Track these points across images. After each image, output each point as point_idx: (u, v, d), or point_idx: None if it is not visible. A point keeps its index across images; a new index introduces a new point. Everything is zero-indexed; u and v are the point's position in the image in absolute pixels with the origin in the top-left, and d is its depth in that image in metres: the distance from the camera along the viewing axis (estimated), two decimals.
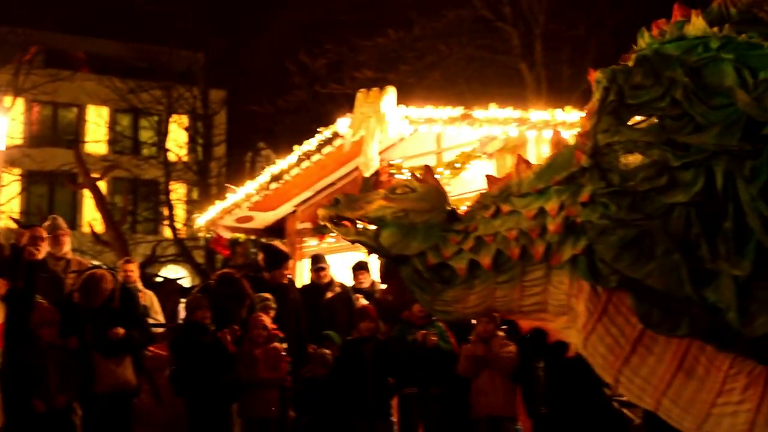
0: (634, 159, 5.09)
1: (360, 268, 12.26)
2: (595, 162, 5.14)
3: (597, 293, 5.09)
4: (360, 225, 5.76)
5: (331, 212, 5.75)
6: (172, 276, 27.49)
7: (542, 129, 13.37)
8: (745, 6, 5.28)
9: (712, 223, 4.77)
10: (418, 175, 5.94)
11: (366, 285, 12.03)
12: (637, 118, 5.22)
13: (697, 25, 5.17)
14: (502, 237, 5.39)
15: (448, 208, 5.75)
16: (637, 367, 5.04)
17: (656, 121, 5.07)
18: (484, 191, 5.77)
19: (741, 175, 4.71)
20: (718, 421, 4.82)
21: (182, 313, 11.93)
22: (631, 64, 5.24)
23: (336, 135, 15.53)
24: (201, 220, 18.32)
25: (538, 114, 13.42)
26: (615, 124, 5.12)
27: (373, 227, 5.68)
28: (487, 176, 5.89)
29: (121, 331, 8.71)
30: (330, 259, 12.72)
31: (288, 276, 11.21)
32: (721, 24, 5.19)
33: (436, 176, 5.96)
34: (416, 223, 5.62)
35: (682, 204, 4.81)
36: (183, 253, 31.27)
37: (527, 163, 5.60)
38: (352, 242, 5.92)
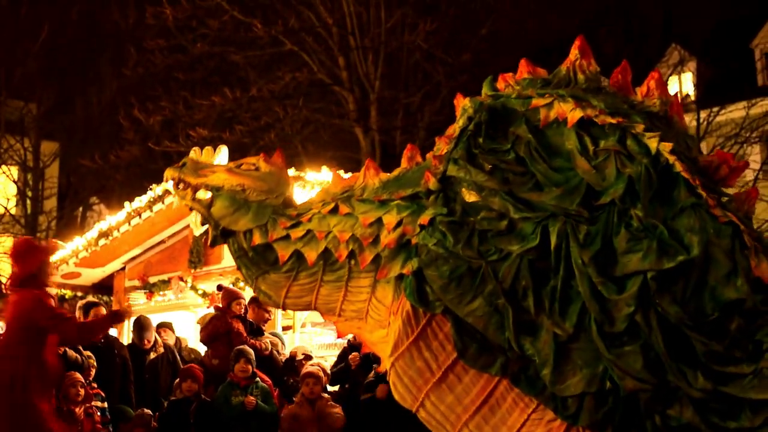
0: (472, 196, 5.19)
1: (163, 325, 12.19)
2: (442, 187, 5.24)
3: (417, 315, 5.18)
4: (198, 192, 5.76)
5: (175, 174, 5.81)
6: None
7: None
8: (592, 74, 5.46)
9: (541, 277, 4.91)
10: (267, 156, 5.99)
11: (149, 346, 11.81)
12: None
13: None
14: (334, 236, 5.45)
15: (287, 194, 5.77)
16: (444, 393, 5.13)
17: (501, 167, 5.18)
18: (326, 187, 5.81)
19: (575, 239, 4.86)
20: None
21: None
22: (486, 103, 5.38)
23: (167, 192, 15.41)
24: None
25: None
26: (465, 159, 5.23)
27: (209, 196, 5.70)
28: (335, 174, 6.04)
29: None
30: (156, 318, 12.59)
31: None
32: (567, 88, 5.39)
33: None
34: (251, 200, 5.63)
35: (517, 254, 4.93)
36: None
37: (376, 169, 5.64)
38: (186, 205, 5.90)
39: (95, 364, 9.62)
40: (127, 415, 10.07)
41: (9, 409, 7.42)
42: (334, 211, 5.51)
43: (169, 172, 5.88)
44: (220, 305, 11.04)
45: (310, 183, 13.96)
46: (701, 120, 23.72)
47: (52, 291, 15.16)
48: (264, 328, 11.23)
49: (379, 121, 26.44)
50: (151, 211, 15.74)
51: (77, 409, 8.85)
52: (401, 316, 5.21)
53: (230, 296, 10.95)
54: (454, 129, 5.44)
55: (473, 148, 5.27)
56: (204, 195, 5.73)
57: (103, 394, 9.57)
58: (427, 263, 5.10)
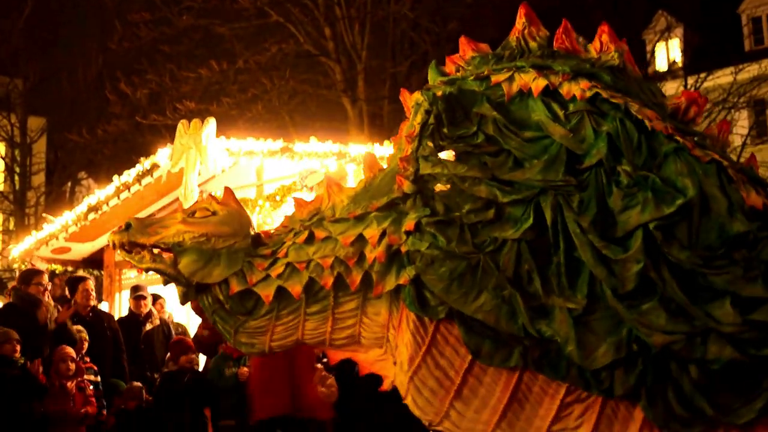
0: (443, 187, 5.07)
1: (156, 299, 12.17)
2: (417, 188, 5.06)
3: (424, 324, 4.99)
4: (156, 251, 5.33)
5: (123, 238, 5.30)
6: None
7: (361, 163, 13.56)
8: (543, 40, 5.37)
9: (543, 257, 4.81)
10: (218, 198, 5.63)
11: (164, 315, 11.92)
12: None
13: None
14: (316, 264, 5.17)
15: (253, 232, 5.46)
16: (469, 399, 4.97)
17: (475, 152, 5.07)
18: (290, 214, 5.54)
19: (570, 209, 4.78)
20: None
21: None
22: (439, 93, 5.21)
23: (155, 166, 15.39)
24: (16, 251, 17.82)
25: (357, 148, 13.59)
26: (436, 154, 5.10)
27: (169, 254, 5.29)
28: (295, 199, 5.63)
29: None
30: (151, 290, 12.59)
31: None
32: (522, 57, 5.30)
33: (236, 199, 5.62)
34: (219, 248, 5.27)
35: (513, 239, 4.82)
36: None
37: (338, 186, 5.41)
38: (147, 270, 5.48)
39: (87, 338, 9.61)
40: (120, 388, 10.09)
41: None
42: (310, 238, 5.25)
43: (114, 238, 5.34)
44: None
45: (299, 154, 13.94)
46: (689, 86, 23.72)
47: (43, 266, 15.24)
48: None
49: (367, 91, 26.39)
50: (140, 184, 15.69)
51: (69, 384, 8.86)
52: (409, 328, 5.04)
53: None
54: (412, 126, 5.24)
55: (440, 140, 5.14)
56: (163, 254, 5.33)
57: (95, 368, 9.57)
58: (423, 268, 4.93)
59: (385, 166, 5.46)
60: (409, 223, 4.99)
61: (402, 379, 5.15)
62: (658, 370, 4.68)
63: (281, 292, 5.23)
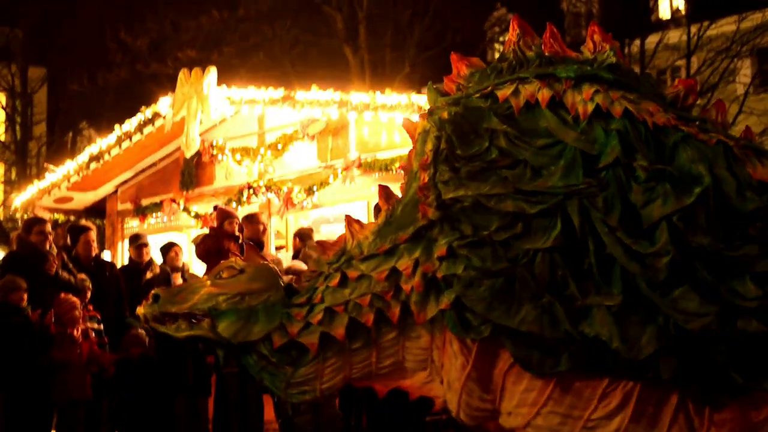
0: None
1: (171, 247, 12.17)
2: (443, 214, 5.08)
3: (466, 343, 5.04)
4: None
5: (153, 310, 5.28)
6: None
7: (363, 111, 13.54)
8: (540, 48, 5.44)
9: (574, 261, 4.87)
10: (241, 256, 5.69)
11: (178, 263, 11.97)
12: None
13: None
14: (354, 304, 5.19)
15: (283, 283, 5.45)
16: (512, 395, 5.05)
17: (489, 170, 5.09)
18: (316, 258, 5.56)
19: (596, 210, 4.87)
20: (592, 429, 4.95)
21: None
22: (445, 116, 5.25)
23: (157, 115, 15.40)
24: (18, 200, 17.87)
25: (358, 96, 13.56)
26: (455, 177, 5.11)
27: (207, 319, 5.25)
28: (318, 243, 5.67)
29: None
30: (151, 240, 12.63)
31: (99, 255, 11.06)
32: (522, 68, 5.39)
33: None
34: (254, 305, 5.26)
35: (544, 249, 4.86)
36: (1, 235, 30.32)
37: (359, 223, 5.45)
38: (186, 338, 5.38)
39: (90, 286, 9.66)
40: (135, 328, 10.18)
41: None
42: (344, 279, 5.26)
43: (145, 311, 5.29)
44: (214, 225, 11.06)
45: (300, 102, 13.92)
46: (692, 34, 23.57)
47: (46, 216, 15.27)
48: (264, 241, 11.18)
49: (368, 39, 26.28)
50: (142, 134, 15.73)
51: (74, 332, 8.90)
52: (453, 349, 5.07)
53: (223, 215, 10.93)
54: (424, 154, 5.24)
55: (455, 162, 5.13)
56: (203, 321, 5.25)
57: (99, 316, 9.61)
58: (462, 291, 4.93)
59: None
60: (441, 249, 5.01)
61: (451, 398, 5.17)
62: (693, 349, 4.79)
63: (324, 337, 5.23)
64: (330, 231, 13.76)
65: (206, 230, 11.87)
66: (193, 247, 13.78)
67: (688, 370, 4.81)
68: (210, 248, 10.70)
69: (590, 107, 5.09)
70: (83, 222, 12.91)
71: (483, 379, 5.09)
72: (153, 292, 5.32)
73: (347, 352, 5.25)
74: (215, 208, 12.23)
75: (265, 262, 5.59)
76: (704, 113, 5.42)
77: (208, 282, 5.39)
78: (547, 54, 5.43)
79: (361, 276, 5.22)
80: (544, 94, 5.15)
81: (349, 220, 5.46)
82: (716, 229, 4.83)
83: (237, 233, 10.62)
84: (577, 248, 4.88)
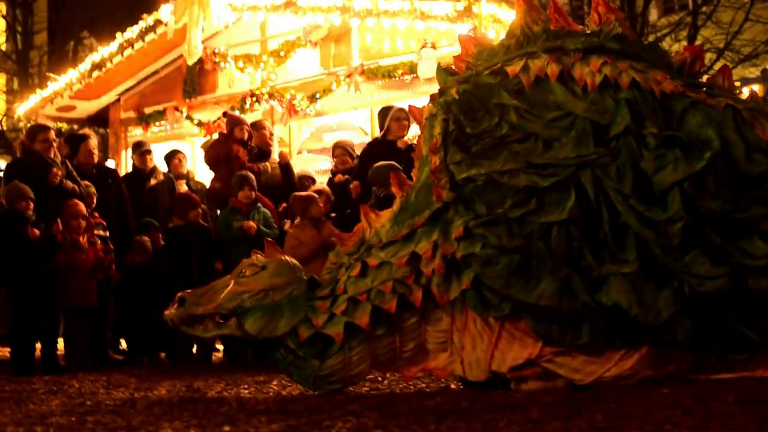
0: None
1: (175, 154, 12.15)
2: (457, 195, 5.21)
3: (489, 323, 5.19)
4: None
5: (180, 313, 5.46)
6: None
7: (365, 17, 13.42)
8: (546, 23, 5.51)
9: (589, 230, 5.00)
10: (262, 253, 5.74)
11: (183, 170, 11.96)
12: None
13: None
14: (377, 291, 5.32)
15: (306, 276, 5.56)
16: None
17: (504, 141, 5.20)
18: (335, 251, 5.69)
19: (609, 179, 4.98)
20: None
21: None
22: (451, 98, 5.38)
23: (159, 22, 15.32)
24: (21, 109, 17.83)
25: (361, 2, 13.41)
26: (466, 157, 5.22)
27: (233, 318, 5.42)
28: (336, 235, 5.91)
29: None
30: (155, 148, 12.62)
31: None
32: (529, 43, 5.50)
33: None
34: (278, 300, 5.41)
35: (559, 222, 4.99)
36: (4, 145, 30.30)
37: (374, 213, 5.59)
38: (213, 337, 5.76)
39: (95, 192, 9.67)
40: (154, 228, 10.39)
41: None
42: (364, 268, 5.41)
43: (172, 315, 5.47)
44: (224, 131, 11.07)
45: (303, 9, 13.83)
46: None
47: (49, 124, 15.26)
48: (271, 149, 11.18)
49: None
50: (144, 41, 15.65)
51: (81, 239, 8.94)
52: (476, 328, 5.22)
53: (233, 122, 10.94)
54: (433, 137, 5.37)
55: (465, 141, 5.26)
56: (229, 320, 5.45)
57: (104, 223, 9.64)
58: (481, 269, 5.06)
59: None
60: (457, 230, 5.15)
61: (478, 375, 5.29)
62: (706, 309, 4.97)
63: (349, 326, 5.35)
64: (332, 138, 13.72)
65: (215, 136, 11.85)
66: (198, 154, 13.85)
67: (703, 332, 4.96)
68: (219, 154, 10.84)
69: (598, 78, 5.21)
70: (82, 130, 12.83)
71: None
72: (179, 295, 5.51)
73: (373, 339, 5.38)
74: (225, 114, 12.22)
75: (286, 258, 5.68)
76: (710, 80, 5.56)
77: (232, 281, 5.52)
78: (553, 29, 5.53)
79: (382, 263, 5.37)
80: (553, 68, 5.26)
81: (365, 210, 5.64)
82: (724, 192, 4.99)
83: (246, 139, 10.69)
84: (591, 219, 5.01)
